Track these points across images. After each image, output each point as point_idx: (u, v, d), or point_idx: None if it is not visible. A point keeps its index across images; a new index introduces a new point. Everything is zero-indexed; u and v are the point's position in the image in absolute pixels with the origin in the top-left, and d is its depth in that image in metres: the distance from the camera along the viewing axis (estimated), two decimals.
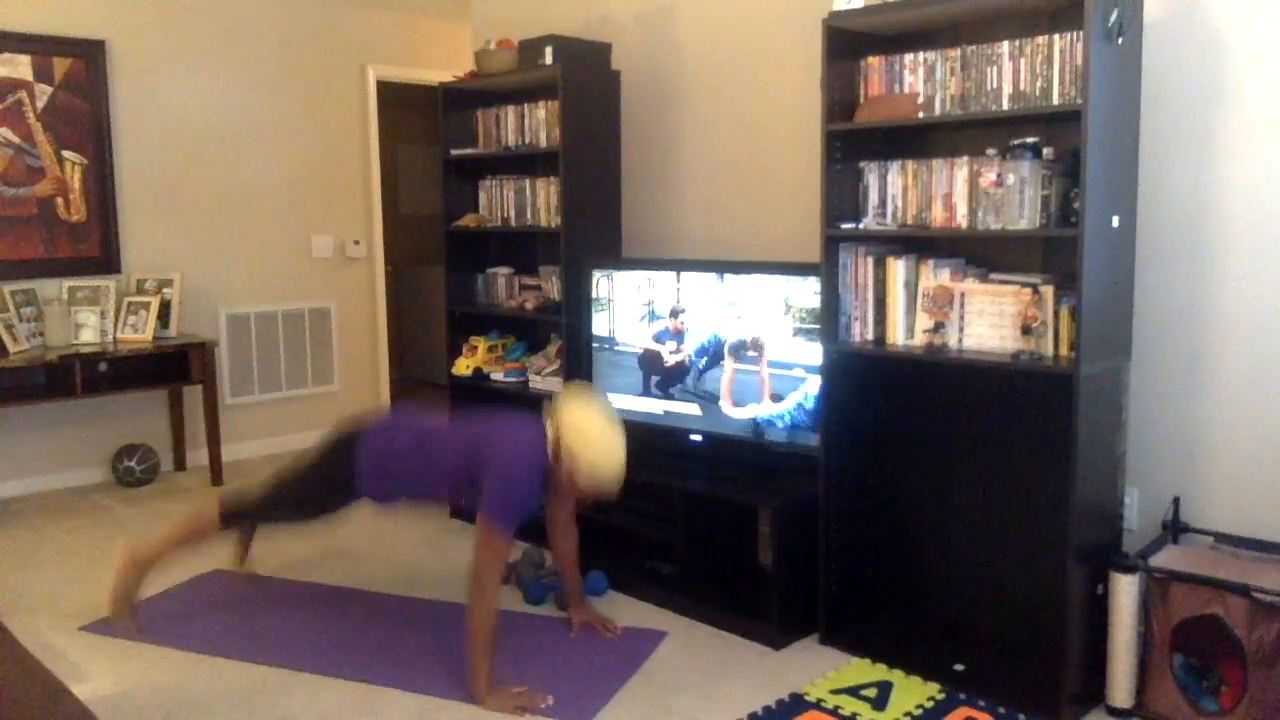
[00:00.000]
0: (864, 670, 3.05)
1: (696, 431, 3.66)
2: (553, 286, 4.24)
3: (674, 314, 3.73)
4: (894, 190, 3.04)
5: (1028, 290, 2.77)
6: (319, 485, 3.22)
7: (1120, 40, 2.61)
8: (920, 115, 2.97)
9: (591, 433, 2.88)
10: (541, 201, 4.27)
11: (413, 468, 3.10)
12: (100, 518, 4.63)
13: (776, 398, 3.41)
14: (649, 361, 3.85)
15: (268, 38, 5.68)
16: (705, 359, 3.63)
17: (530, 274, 4.45)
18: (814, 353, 3.22)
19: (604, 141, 4.18)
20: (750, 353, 3.49)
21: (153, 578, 3.43)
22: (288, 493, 3.26)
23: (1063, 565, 2.75)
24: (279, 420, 5.90)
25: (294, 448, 5.91)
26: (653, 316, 3.80)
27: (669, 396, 3.78)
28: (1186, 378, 2.84)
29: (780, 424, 3.40)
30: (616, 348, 3.95)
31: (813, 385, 3.27)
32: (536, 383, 4.25)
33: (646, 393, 3.85)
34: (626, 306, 3.89)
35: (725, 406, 3.56)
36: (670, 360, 3.76)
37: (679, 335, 3.72)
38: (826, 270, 3.12)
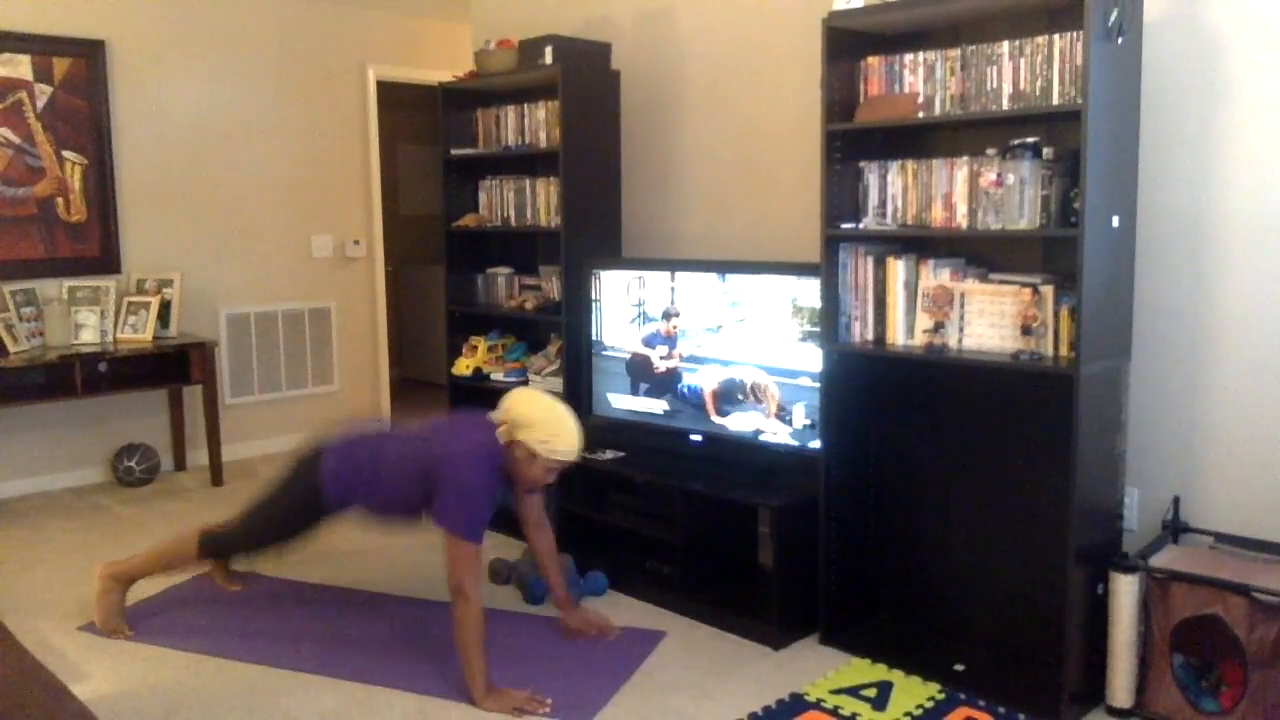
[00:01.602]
0: (864, 670, 3.05)
1: (696, 432, 3.65)
2: (553, 286, 4.24)
3: (666, 316, 3.69)
4: (894, 190, 3.04)
5: (1028, 290, 2.77)
6: (288, 503, 3.21)
7: (1120, 40, 2.61)
8: (920, 115, 2.97)
9: (538, 412, 2.95)
10: (541, 201, 4.27)
11: (374, 476, 3.09)
12: (100, 518, 4.63)
13: (782, 412, 3.39)
14: (638, 367, 3.81)
15: (268, 38, 5.68)
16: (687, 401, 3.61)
17: (530, 274, 4.45)
18: (814, 359, 3.22)
19: (604, 141, 4.18)
20: (742, 399, 3.45)
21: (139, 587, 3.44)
22: (260, 516, 3.27)
23: (1063, 565, 2.75)
24: (279, 420, 5.89)
25: (294, 448, 5.91)
26: (645, 319, 3.77)
27: (655, 397, 3.75)
28: (1186, 378, 2.84)
29: (778, 437, 3.40)
30: (604, 352, 3.93)
31: (809, 392, 3.26)
32: (536, 383, 4.25)
33: (635, 397, 3.83)
34: (616, 308, 3.86)
35: (711, 415, 3.54)
36: (661, 367, 3.73)
37: (671, 340, 3.68)
38: (826, 270, 3.12)
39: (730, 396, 3.50)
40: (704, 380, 3.56)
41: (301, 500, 3.17)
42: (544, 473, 2.99)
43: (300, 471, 3.20)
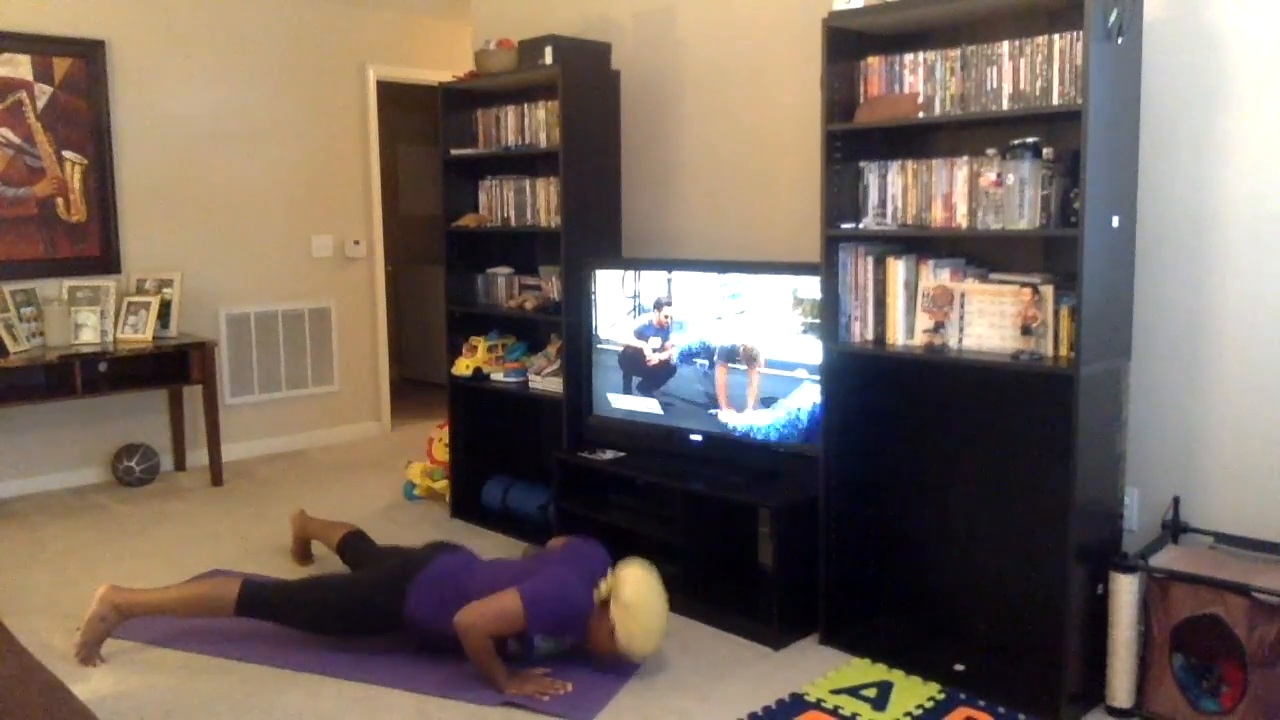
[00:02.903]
0: (864, 670, 3.04)
1: (697, 432, 3.65)
2: (553, 286, 4.24)
3: (658, 306, 3.68)
4: (894, 190, 3.04)
5: (1028, 290, 2.77)
6: (358, 600, 3.10)
7: (1120, 40, 2.61)
8: (920, 115, 2.97)
9: (642, 610, 2.94)
10: (541, 201, 4.27)
11: (462, 592, 3.00)
12: (100, 518, 4.63)
13: (768, 402, 3.39)
14: (630, 360, 3.80)
15: (268, 38, 5.68)
16: (693, 360, 3.59)
17: (530, 274, 4.45)
18: (815, 354, 3.22)
19: (604, 141, 4.18)
20: (739, 364, 3.46)
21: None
22: (321, 598, 3.14)
23: (1063, 565, 2.75)
24: (279, 420, 5.89)
25: (294, 448, 5.91)
26: (640, 311, 3.77)
27: (651, 399, 3.76)
28: (1186, 378, 2.84)
29: (768, 435, 3.40)
30: (597, 345, 3.93)
31: (809, 392, 3.26)
32: (536, 383, 4.25)
33: (628, 394, 3.83)
34: (609, 300, 3.85)
35: (724, 411, 3.55)
36: (653, 359, 3.73)
37: (663, 331, 3.67)
38: (826, 270, 3.12)
39: (731, 357, 3.49)
40: (714, 338, 3.54)
41: (374, 604, 3.07)
42: (608, 650, 2.98)
43: (387, 579, 3.10)
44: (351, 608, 3.11)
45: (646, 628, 2.95)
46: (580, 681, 2.96)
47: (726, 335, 3.49)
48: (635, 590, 2.95)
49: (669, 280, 3.66)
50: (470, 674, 2.96)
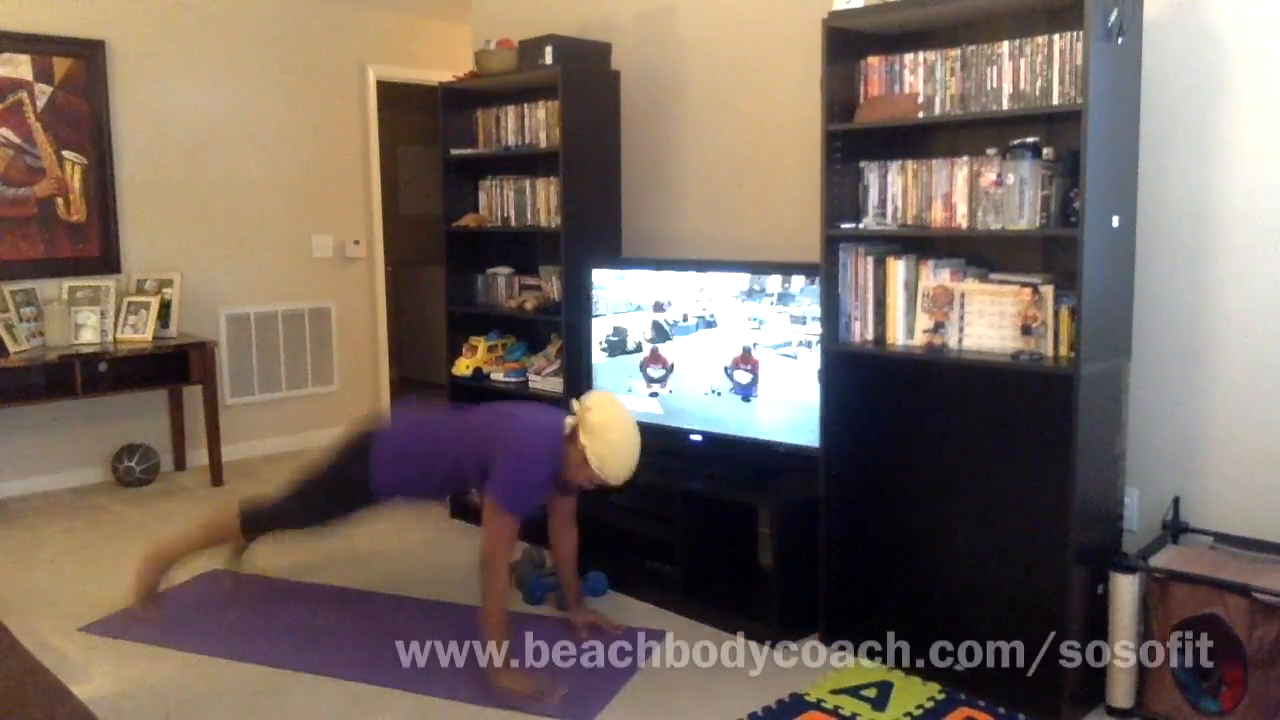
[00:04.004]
0: (864, 670, 3.04)
1: (696, 432, 3.65)
2: (553, 286, 4.24)
3: (658, 308, 3.70)
4: (894, 190, 3.04)
5: (1028, 290, 2.77)
6: (333, 488, 3.22)
7: (1120, 40, 2.61)
8: (920, 115, 2.97)
9: (610, 429, 2.94)
10: (541, 201, 4.27)
11: (428, 466, 3.12)
12: (100, 518, 4.63)
13: (776, 399, 3.40)
14: (629, 357, 3.82)
15: (268, 38, 5.68)
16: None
17: (530, 274, 4.45)
18: (815, 352, 3.22)
19: (604, 141, 4.18)
20: (742, 371, 3.47)
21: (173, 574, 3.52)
22: (305, 496, 3.28)
23: (1063, 565, 2.75)
24: (279, 420, 5.89)
25: (294, 448, 5.91)
26: (640, 309, 3.78)
27: (652, 396, 3.76)
28: (1186, 378, 2.84)
29: (767, 434, 3.40)
30: (597, 345, 3.94)
31: (810, 390, 3.26)
32: (536, 383, 4.25)
33: (628, 394, 3.83)
34: (609, 300, 3.87)
35: (724, 410, 3.55)
36: (654, 358, 3.74)
37: (664, 328, 3.69)
38: (826, 270, 3.12)
39: (732, 370, 3.50)
40: (737, 339, 3.55)
41: (347, 487, 3.19)
42: (587, 480, 3.01)
43: (348, 458, 3.21)
44: (326, 491, 3.24)
45: (615, 446, 2.94)
46: (580, 681, 2.96)
47: (728, 334, 3.50)
48: (600, 414, 2.96)
49: (670, 279, 3.66)
50: (470, 674, 2.96)
